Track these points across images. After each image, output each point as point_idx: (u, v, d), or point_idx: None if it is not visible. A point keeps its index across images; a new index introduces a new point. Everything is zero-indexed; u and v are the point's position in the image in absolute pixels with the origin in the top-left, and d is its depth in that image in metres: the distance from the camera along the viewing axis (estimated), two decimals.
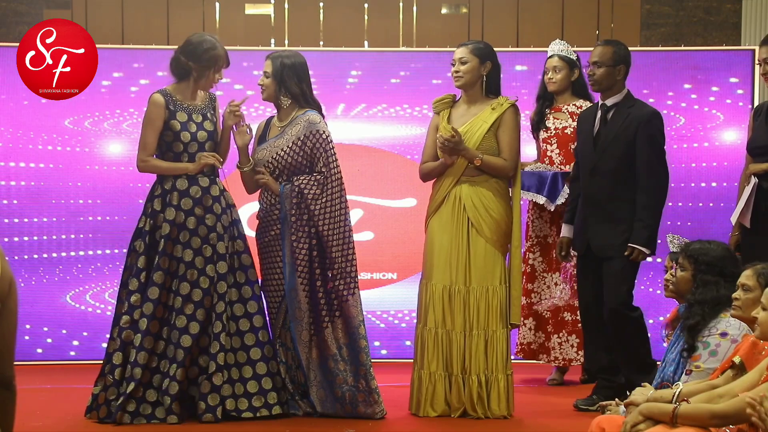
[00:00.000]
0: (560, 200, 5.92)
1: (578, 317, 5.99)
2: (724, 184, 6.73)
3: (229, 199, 5.26)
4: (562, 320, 6.06)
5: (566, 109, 6.08)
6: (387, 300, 6.85)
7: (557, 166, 6.03)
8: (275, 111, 5.40)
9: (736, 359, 3.58)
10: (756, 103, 6.41)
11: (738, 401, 3.19)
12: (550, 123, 6.08)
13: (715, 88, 6.80)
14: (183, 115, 5.19)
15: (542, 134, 6.11)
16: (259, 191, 5.40)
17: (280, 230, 5.21)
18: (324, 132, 5.20)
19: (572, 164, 5.87)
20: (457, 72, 5.33)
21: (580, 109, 5.99)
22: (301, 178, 5.19)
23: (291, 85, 5.23)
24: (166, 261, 5.12)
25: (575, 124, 5.92)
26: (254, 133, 5.40)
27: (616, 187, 5.33)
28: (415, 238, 6.66)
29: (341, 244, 5.19)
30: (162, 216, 5.15)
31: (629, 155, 5.31)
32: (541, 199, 5.95)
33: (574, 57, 6.09)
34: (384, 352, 6.88)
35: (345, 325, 5.22)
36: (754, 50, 6.65)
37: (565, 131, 6.04)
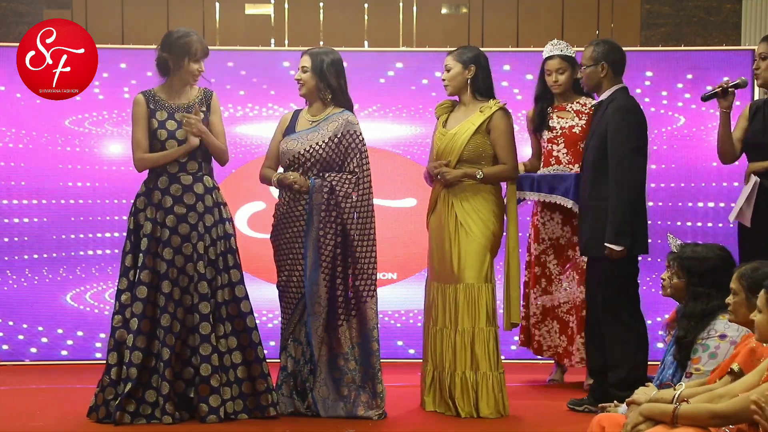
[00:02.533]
0: None
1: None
2: (724, 184, 6.72)
3: (218, 197, 5.23)
4: (583, 321, 5.80)
5: (571, 107, 5.93)
6: (387, 300, 6.84)
7: (565, 166, 5.88)
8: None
9: (735, 366, 3.57)
10: None
11: (738, 401, 3.19)
12: (554, 123, 5.94)
13: None
14: (163, 113, 5.19)
15: (546, 134, 5.95)
16: (278, 191, 5.41)
17: (304, 225, 5.22)
18: (360, 134, 5.28)
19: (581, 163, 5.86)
20: (444, 81, 5.45)
21: (584, 107, 5.90)
22: (333, 175, 5.23)
23: (331, 80, 5.28)
24: (150, 260, 5.12)
25: (582, 122, 5.87)
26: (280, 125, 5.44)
27: (594, 185, 5.28)
28: (415, 238, 6.67)
29: (366, 245, 5.24)
30: (144, 214, 5.15)
31: (604, 152, 5.23)
32: (569, 203, 5.72)
33: (573, 54, 5.95)
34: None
35: (359, 326, 5.25)
36: (754, 50, 6.63)
37: (573, 130, 5.89)
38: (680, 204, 6.80)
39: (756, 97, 6.56)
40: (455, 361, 5.27)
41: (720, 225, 6.60)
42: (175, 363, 5.08)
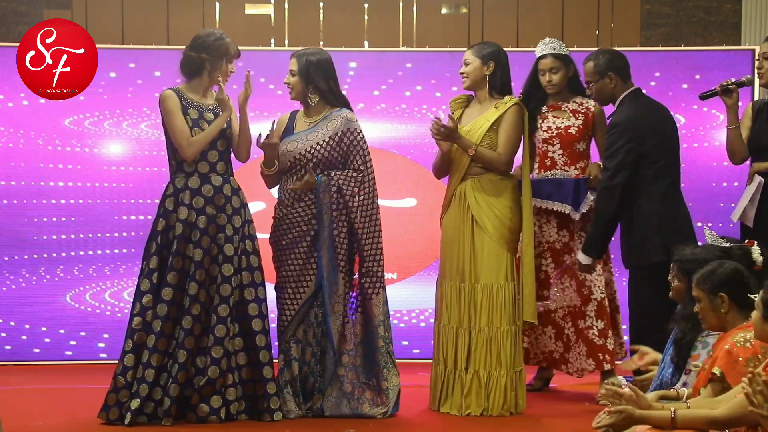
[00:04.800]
0: (584, 208, 5.62)
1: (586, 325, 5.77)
2: (724, 184, 6.73)
3: (242, 198, 5.24)
4: (580, 331, 5.69)
5: (567, 107, 5.73)
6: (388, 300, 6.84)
7: (561, 168, 5.71)
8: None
9: (716, 371, 3.57)
10: None
11: (736, 406, 3.19)
12: (550, 122, 5.72)
13: None
14: (194, 112, 5.17)
15: (542, 135, 5.73)
16: (278, 192, 5.39)
17: (308, 228, 5.21)
18: (360, 131, 5.28)
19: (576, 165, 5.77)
20: (462, 73, 5.44)
21: (581, 106, 5.72)
22: (339, 173, 5.23)
23: (319, 82, 5.27)
24: (179, 261, 5.09)
25: (579, 122, 5.71)
26: (275, 127, 5.36)
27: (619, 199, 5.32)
28: (415, 238, 6.68)
29: (372, 243, 5.25)
30: (175, 216, 5.12)
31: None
32: (567, 208, 5.63)
33: (567, 52, 5.76)
34: None
35: (365, 323, 5.27)
36: (754, 50, 6.63)
37: (569, 130, 5.69)
38: None
39: (756, 97, 6.56)
40: (469, 360, 5.27)
41: (720, 225, 6.59)
42: (189, 366, 5.06)
